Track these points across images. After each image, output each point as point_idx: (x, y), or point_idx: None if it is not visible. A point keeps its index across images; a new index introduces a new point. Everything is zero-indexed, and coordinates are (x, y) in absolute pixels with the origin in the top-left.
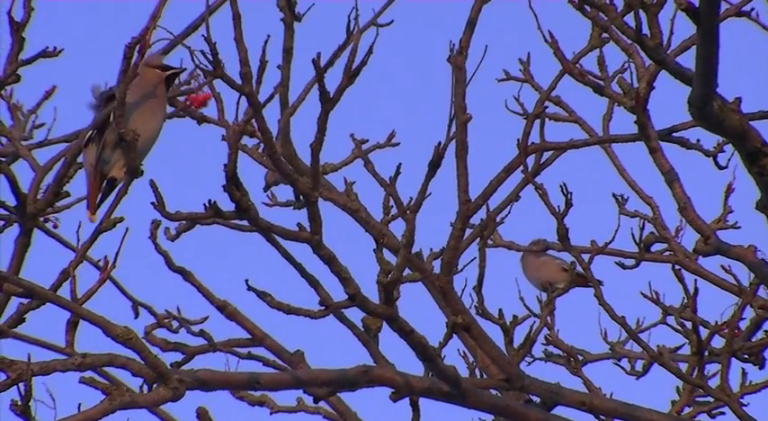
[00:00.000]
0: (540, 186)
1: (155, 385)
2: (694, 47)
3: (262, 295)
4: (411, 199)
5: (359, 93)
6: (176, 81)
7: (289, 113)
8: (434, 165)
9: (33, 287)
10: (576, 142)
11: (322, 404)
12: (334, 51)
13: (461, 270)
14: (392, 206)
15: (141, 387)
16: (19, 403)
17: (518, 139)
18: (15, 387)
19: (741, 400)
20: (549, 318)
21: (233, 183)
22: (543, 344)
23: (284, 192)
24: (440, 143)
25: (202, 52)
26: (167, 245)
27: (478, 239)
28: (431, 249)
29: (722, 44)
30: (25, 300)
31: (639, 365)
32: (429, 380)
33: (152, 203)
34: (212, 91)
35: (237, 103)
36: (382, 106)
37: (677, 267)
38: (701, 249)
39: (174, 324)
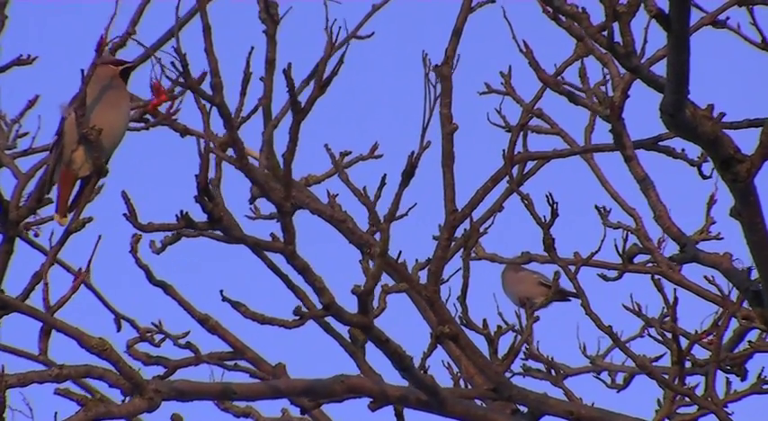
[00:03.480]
0: (526, 196)
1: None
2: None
3: (236, 305)
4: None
5: (341, 103)
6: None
7: (273, 125)
8: (408, 175)
9: (6, 298)
10: (561, 151)
11: (308, 416)
12: (315, 66)
13: (447, 280)
14: None
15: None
16: None
17: (503, 149)
18: None
19: (725, 409)
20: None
21: (204, 194)
22: (522, 358)
23: (269, 204)
24: (413, 152)
25: (173, 64)
26: (151, 257)
27: (462, 250)
28: (416, 260)
29: (699, 53)
30: None
31: (620, 378)
32: (405, 389)
33: (124, 214)
34: (196, 100)
35: (208, 114)
36: (365, 117)
37: (657, 277)
38: (678, 257)
39: (157, 337)
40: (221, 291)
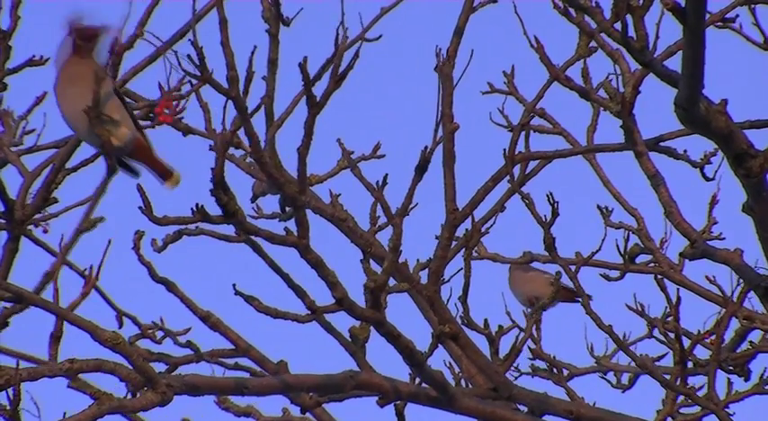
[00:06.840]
0: (527, 196)
1: (143, 390)
2: (680, 50)
3: (249, 299)
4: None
5: (344, 103)
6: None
7: (276, 126)
8: (421, 169)
9: (22, 292)
10: (562, 151)
11: (308, 415)
12: (323, 64)
13: (448, 280)
14: (379, 216)
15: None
16: (7, 408)
17: (504, 149)
18: (4, 392)
19: (727, 409)
20: (534, 332)
21: (220, 188)
22: (529, 358)
23: (270, 204)
24: (426, 147)
25: (189, 57)
26: (153, 255)
27: (464, 250)
28: (417, 260)
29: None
30: (9, 304)
31: (625, 378)
32: (416, 386)
33: (139, 207)
34: (199, 99)
35: (224, 108)
36: (367, 117)
37: (660, 277)
38: (688, 253)
39: (159, 334)
40: (234, 285)
